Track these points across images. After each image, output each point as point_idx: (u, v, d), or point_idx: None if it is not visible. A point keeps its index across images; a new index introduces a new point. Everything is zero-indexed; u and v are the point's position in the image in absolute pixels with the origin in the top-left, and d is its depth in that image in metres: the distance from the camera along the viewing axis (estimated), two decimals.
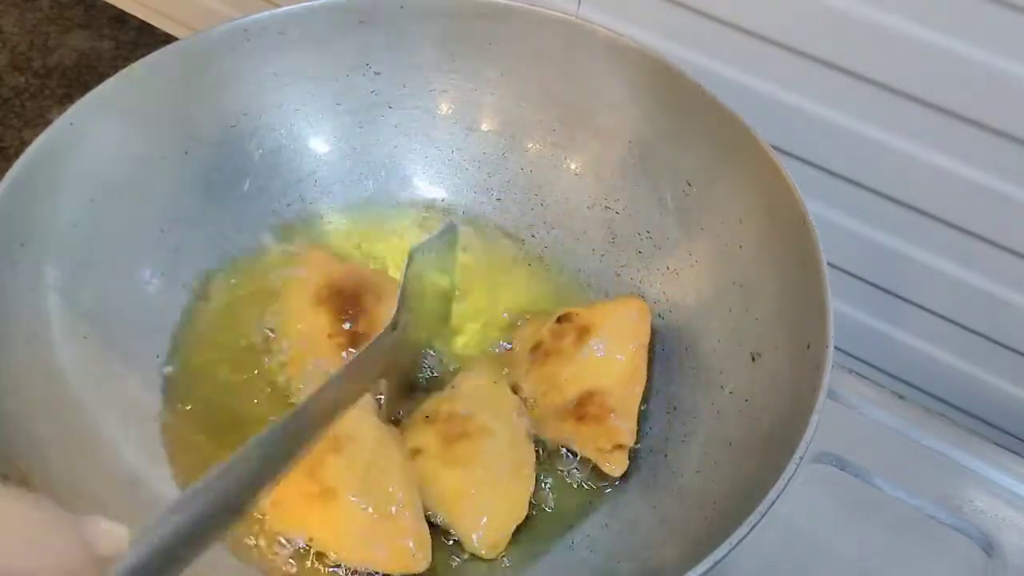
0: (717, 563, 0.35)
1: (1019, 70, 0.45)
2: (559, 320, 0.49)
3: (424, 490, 0.45)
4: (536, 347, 0.49)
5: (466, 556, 0.45)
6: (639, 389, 0.48)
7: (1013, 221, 0.50)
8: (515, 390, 0.49)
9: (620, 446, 0.46)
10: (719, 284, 0.49)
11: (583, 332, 0.48)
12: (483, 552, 0.44)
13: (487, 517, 0.44)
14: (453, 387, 0.49)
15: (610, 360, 0.48)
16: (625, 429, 0.46)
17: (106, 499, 0.42)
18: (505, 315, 0.53)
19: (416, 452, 0.46)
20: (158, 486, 0.45)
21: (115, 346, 0.46)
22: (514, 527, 0.45)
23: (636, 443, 0.48)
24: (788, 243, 0.45)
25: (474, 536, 0.44)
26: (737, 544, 0.36)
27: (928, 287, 0.55)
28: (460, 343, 0.52)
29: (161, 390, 0.48)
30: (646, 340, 0.49)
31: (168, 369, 0.49)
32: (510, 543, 0.45)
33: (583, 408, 0.47)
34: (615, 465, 0.46)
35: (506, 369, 0.50)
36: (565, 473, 0.47)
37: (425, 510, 0.45)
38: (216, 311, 0.52)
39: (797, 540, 0.50)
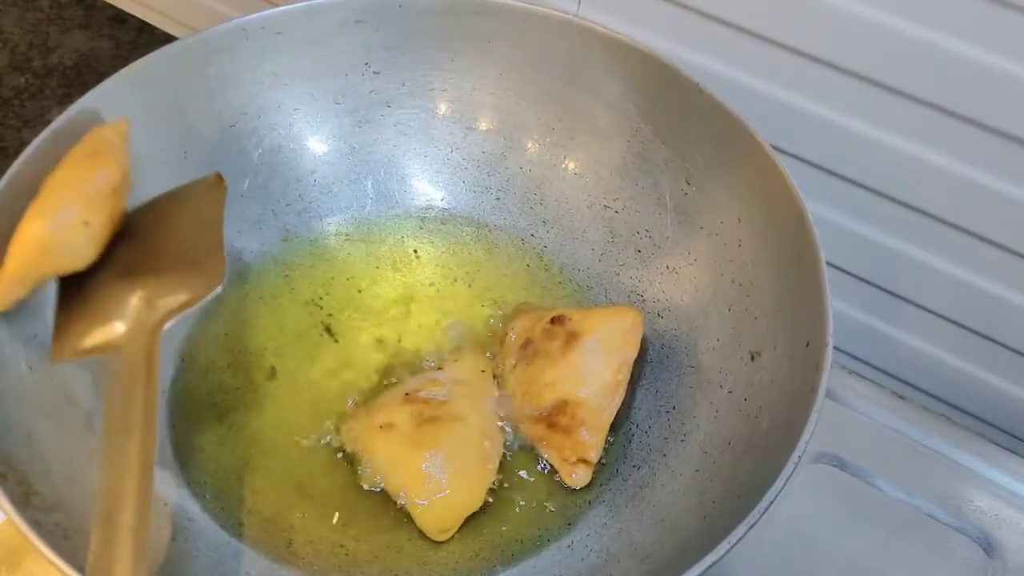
0: (716, 562, 0.36)
1: (1019, 70, 0.45)
2: (552, 321, 0.49)
3: (390, 465, 0.46)
4: (526, 344, 0.49)
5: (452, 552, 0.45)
6: (615, 407, 0.47)
7: (1013, 221, 0.50)
8: (500, 383, 0.49)
9: (584, 460, 0.46)
10: (718, 283, 0.49)
11: (572, 338, 0.48)
12: (432, 535, 0.45)
13: (441, 502, 0.45)
14: (440, 370, 0.50)
15: (592, 373, 0.47)
16: (592, 444, 0.46)
17: None
18: (500, 321, 0.53)
19: (388, 426, 0.46)
20: (158, 485, 0.45)
21: None
22: (466, 515, 0.45)
23: (630, 444, 0.48)
24: (787, 242, 0.45)
25: (425, 518, 0.45)
26: (736, 543, 0.36)
27: (928, 287, 0.55)
28: (455, 339, 0.52)
29: (162, 390, 0.49)
30: (632, 357, 0.48)
31: (168, 369, 0.49)
32: (508, 544, 0.45)
33: (555, 416, 0.47)
34: (577, 478, 0.46)
35: (494, 360, 0.50)
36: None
37: (389, 486, 0.46)
38: (219, 314, 0.52)
39: (797, 540, 0.50)
